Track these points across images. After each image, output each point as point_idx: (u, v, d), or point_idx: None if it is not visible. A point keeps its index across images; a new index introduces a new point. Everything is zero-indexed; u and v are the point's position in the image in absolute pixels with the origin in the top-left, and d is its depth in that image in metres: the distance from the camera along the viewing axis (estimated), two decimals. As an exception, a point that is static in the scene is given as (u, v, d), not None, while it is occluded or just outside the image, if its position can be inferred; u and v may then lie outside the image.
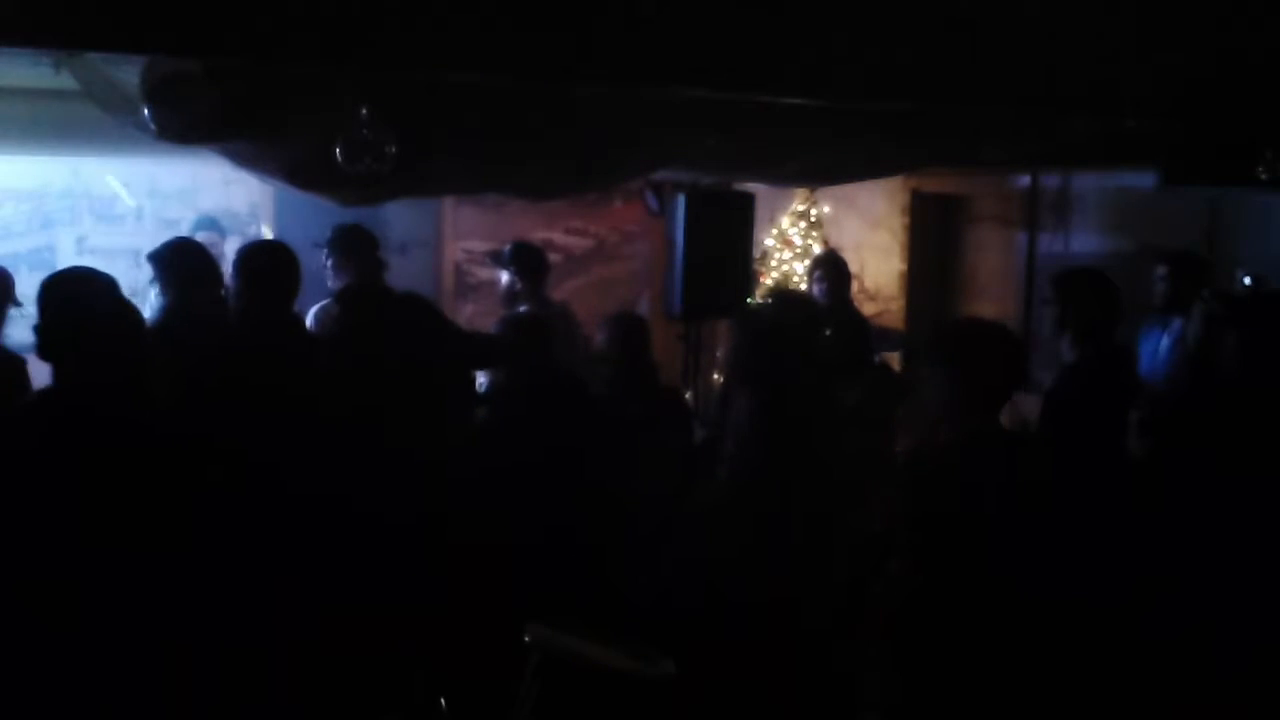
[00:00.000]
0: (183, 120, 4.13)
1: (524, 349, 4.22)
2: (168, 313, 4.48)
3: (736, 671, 3.29)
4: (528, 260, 5.58)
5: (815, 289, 6.22)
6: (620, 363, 4.34)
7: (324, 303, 5.35)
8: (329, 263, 5.26)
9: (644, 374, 4.48)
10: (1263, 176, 5.33)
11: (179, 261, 4.61)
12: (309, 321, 5.28)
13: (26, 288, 4.50)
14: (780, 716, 3.30)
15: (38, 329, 2.97)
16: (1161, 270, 5.57)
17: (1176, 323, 5.46)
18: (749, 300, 6.43)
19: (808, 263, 7.49)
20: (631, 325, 4.55)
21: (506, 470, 3.80)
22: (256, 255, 4.35)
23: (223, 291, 4.60)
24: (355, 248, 5.28)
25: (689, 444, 4.48)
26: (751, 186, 6.49)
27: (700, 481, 3.83)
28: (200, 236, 6.02)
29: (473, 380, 4.42)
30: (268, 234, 7.00)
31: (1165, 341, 5.51)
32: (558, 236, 7.91)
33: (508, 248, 5.67)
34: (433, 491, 3.51)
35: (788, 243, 7.71)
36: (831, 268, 6.19)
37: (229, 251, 6.00)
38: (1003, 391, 3.31)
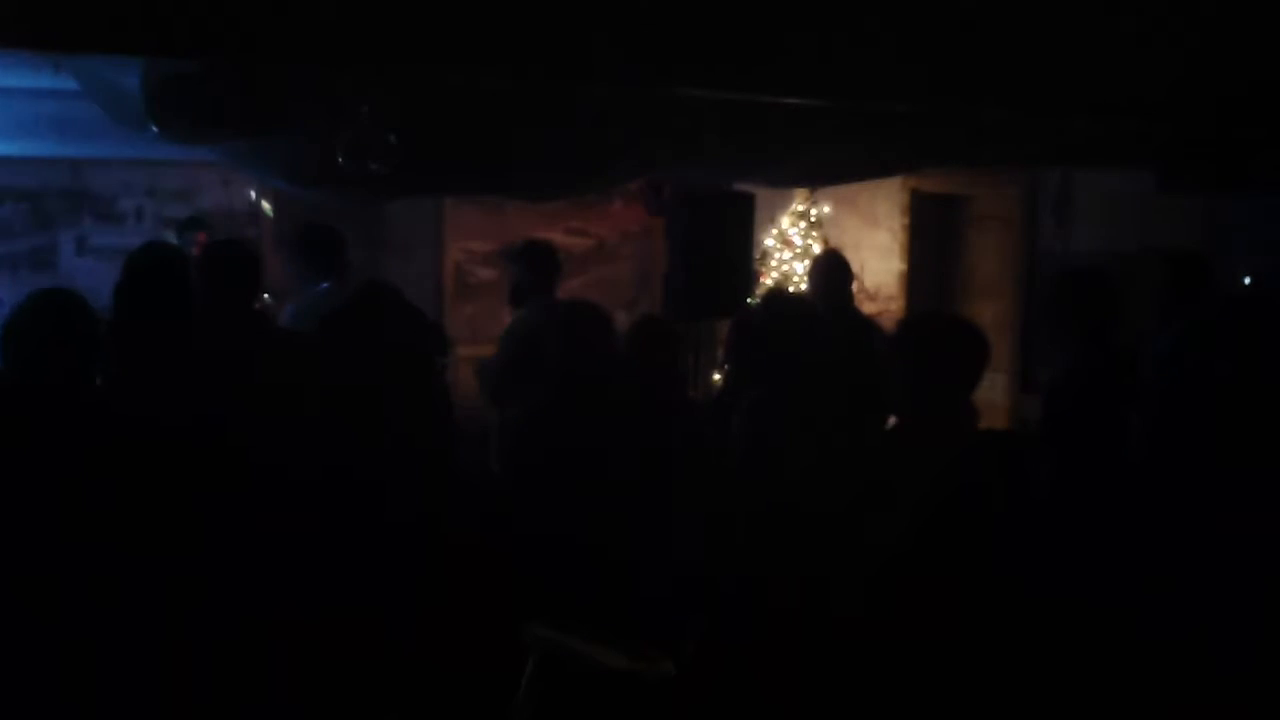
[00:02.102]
0: (183, 120, 4.13)
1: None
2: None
3: (738, 672, 3.29)
4: (540, 259, 5.57)
5: (815, 286, 6.22)
6: (649, 369, 4.29)
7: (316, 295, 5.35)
8: (299, 262, 5.25)
9: (672, 380, 4.43)
10: (1262, 178, 5.33)
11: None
12: (286, 316, 5.24)
13: (27, 288, 4.51)
14: (782, 717, 3.30)
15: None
16: (1163, 271, 5.57)
17: (1178, 323, 5.46)
18: (749, 300, 6.43)
19: (808, 262, 7.50)
20: (660, 332, 4.49)
21: (535, 464, 3.80)
22: (215, 254, 4.34)
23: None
24: (322, 247, 5.26)
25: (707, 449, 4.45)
26: (751, 186, 6.49)
27: (707, 481, 3.83)
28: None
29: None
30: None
31: (1166, 342, 5.51)
32: (558, 236, 7.89)
33: (520, 245, 5.67)
34: (431, 489, 3.51)
35: (788, 243, 7.71)
36: (831, 265, 6.19)
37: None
38: (960, 388, 3.33)
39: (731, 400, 4.62)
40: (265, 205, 7.14)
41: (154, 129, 4.13)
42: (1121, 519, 3.84)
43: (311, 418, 3.51)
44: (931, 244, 8.24)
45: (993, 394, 7.90)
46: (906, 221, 8.05)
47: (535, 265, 5.53)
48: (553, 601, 3.38)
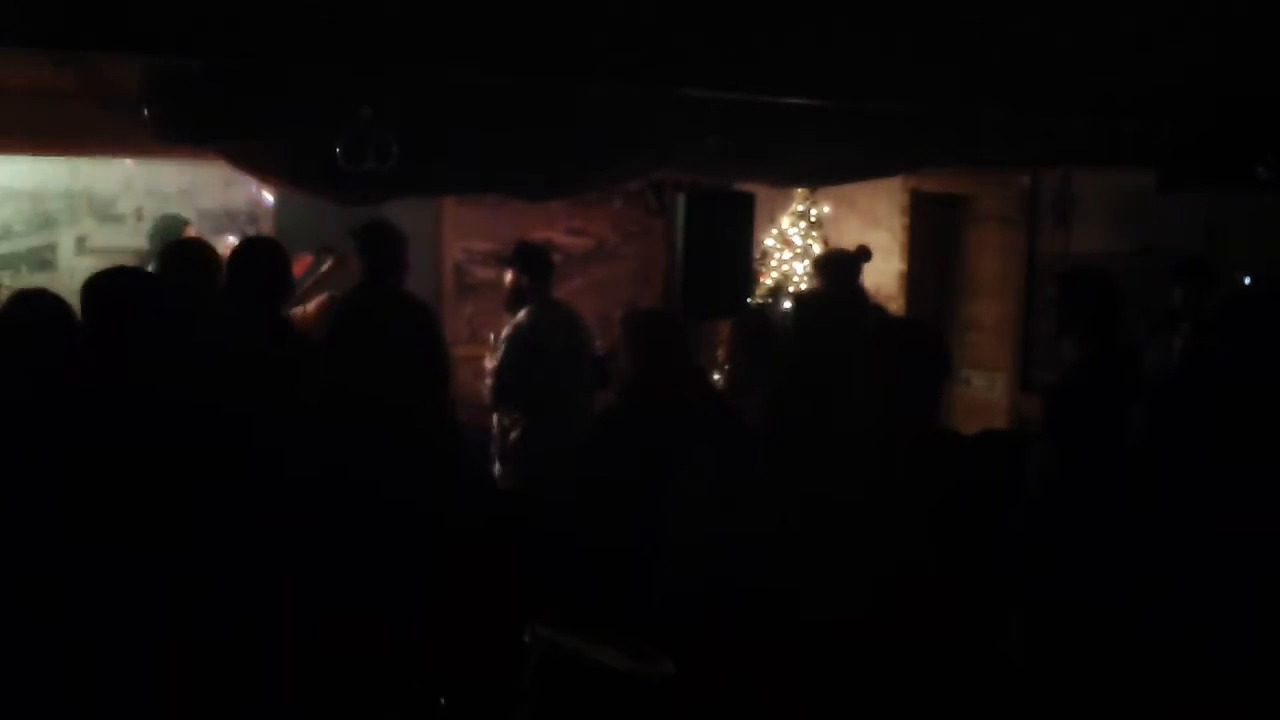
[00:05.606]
0: (183, 120, 4.13)
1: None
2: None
3: (739, 671, 3.29)
4: (533, 260, 5.60)
5: (825, 282, 6.25)
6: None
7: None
8: (360, 262, 5.23)
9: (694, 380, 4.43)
10: (1262, 178, 5.33)
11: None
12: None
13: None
14: (783, 717, 3.30)
15: None
16: (1169, 274, 5.69)
17: (1183, 324, 5.55)
18: (749, 300, 6.43)
19: (808, 263, 7.50)
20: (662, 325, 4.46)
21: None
22: (247, 252, 4.36)
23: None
24: (366, 246, 5.25)
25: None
26: (751, 186, 6.49)
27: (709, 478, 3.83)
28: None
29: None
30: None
31: (1169, 342, 5.58)
32: (558, 236, 7.91)
33: (514, 247, 5.69)
34: (436, 490, 3.51)
35: (788, 243, 7.71)
36: (844, 262, 6.23)
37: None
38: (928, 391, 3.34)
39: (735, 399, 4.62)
40: (266, 204, 7.14)
41: (154, 129, 4.13)
42: (1123, 517, 3.84)
43: (314, 417, 3.51)
44: (931, 244, 8.24)
45: (992, 394, 7.90)
46: (906, 221, 8.05)
47: (529, 267, 5.55)
48: (553, 601, 3.38)
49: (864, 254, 6.22)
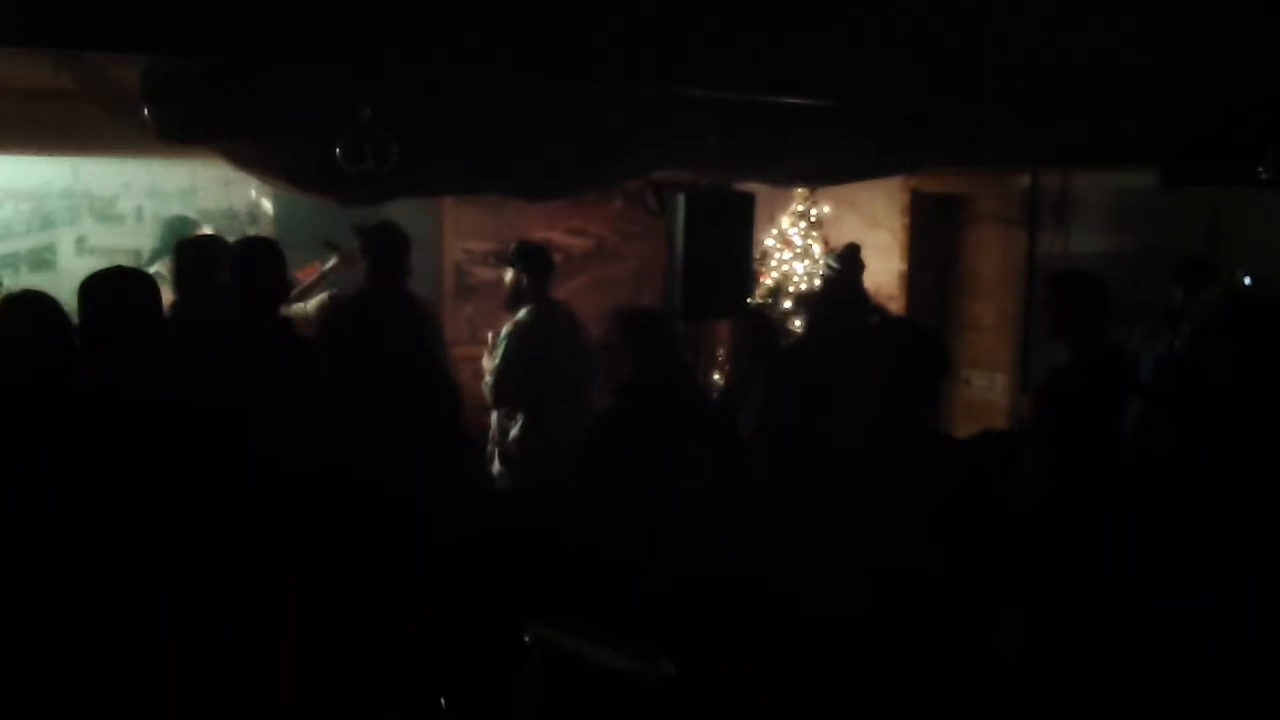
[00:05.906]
0: (183, 120, 4.13)
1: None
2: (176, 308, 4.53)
3: (738, 671, 3.29)
4: (533, 259, 5.59)
5: (830, 278, 6.26)
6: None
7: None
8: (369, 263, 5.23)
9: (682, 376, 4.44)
10: (1263, 176, 5.34)
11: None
12: None
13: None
14: (783, 717, 3.30)
15: None
16: (1170, 273, 5.70)
17: (1183, 324, 5.58)
18: (749, 300, 6.43)
19: (808, 263, 7.50)
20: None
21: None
22: (246, 252, 4.39)
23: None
24: (372, 248, 5.25)
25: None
26: (751, 186, 6.49)
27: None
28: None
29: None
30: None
31: (1169, 342, 5.60)
32: (558, 236, 7.91)
33: (513, 247, 5.69)
34: (432, 490, 3.51)
35: (788, 243, 7.71)
36: (849, 259, 6.24)
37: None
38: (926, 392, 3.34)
39: (738, 399, 4.62)
40: (266, 204, 7.14)
41: (154, 129, 4.13)
42: (1117, 516, 3.84)
43: (313, 417, 3.52)
44: (931, 244, 8.24)
45: (992, 394, 7.90)
46: (906, 221, 8.05)
47: (530, 267, 5.55)
48: (553, 601, 3.38)
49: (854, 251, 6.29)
